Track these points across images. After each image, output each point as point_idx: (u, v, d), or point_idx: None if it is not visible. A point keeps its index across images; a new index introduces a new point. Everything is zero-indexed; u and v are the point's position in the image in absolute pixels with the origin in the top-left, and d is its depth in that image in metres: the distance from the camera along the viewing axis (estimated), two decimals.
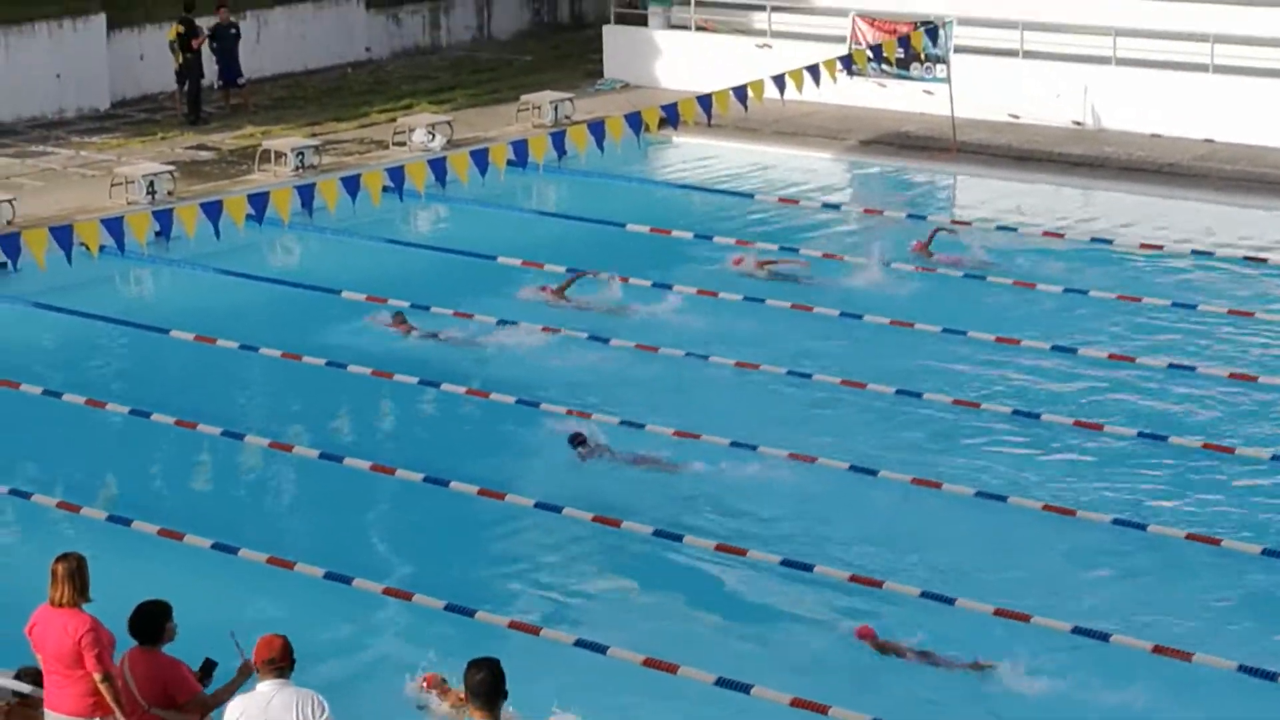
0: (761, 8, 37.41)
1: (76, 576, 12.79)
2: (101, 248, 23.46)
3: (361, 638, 16.74)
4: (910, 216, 29.83)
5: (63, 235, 22.58)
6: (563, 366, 23.30)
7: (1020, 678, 15.79)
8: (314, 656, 12.43)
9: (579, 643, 16.23)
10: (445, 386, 22.41)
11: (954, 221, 29.76)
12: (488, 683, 10.97)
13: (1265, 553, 17.89)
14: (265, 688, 11.85)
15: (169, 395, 22.49)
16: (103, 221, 23.30)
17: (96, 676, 12.61)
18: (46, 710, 13.00)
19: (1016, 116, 34.44)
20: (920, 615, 16.81)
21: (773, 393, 22.57)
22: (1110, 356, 23.39)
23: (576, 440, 20.33)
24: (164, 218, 24.22)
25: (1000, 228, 29.12)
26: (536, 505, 19.01)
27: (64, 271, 23.67)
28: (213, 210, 23.99)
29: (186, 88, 35.52)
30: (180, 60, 35.34)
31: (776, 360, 23.20)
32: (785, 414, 21.88)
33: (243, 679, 12.64)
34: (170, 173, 30.12)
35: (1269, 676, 15.45)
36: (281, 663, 11.88)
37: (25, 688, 13.65)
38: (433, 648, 15.97)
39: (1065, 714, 15.50)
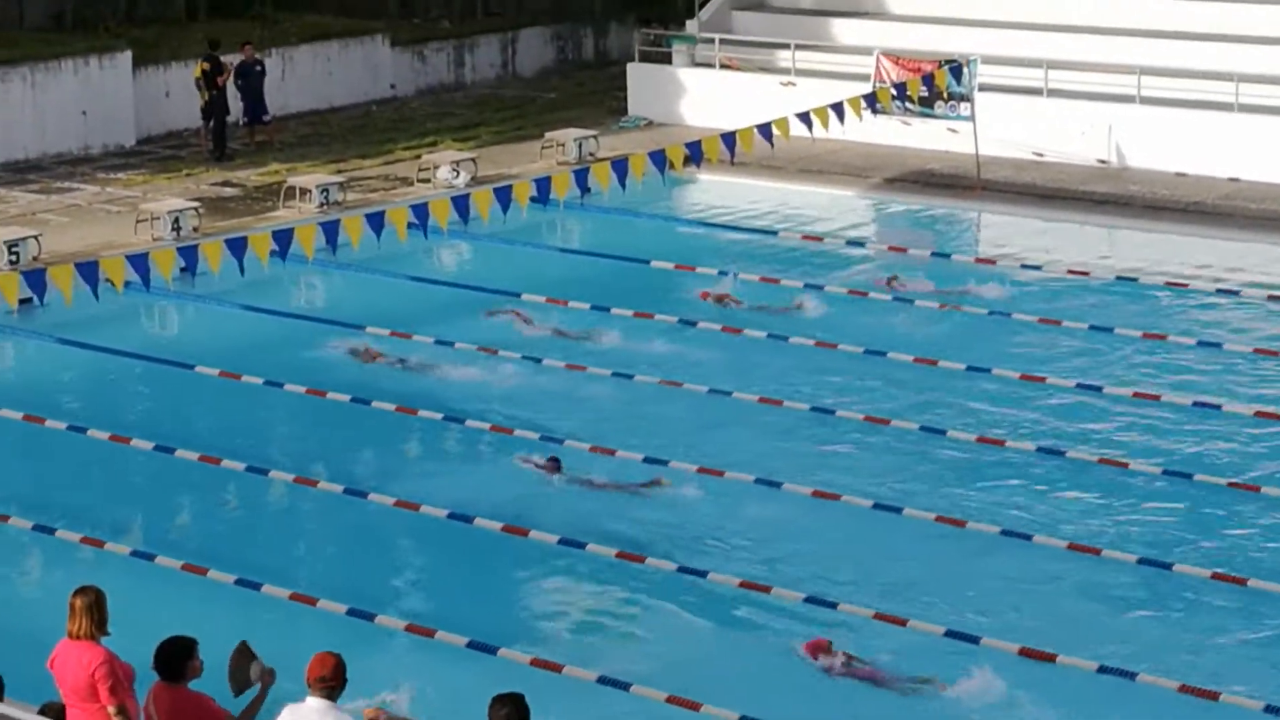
0: (785, 46, 37.45)
1: (95, 610, 12.79)
2: (126, 283, 23.53)
3: (389, 673, 16.69)
4: (935, 255, 29.81)
5: (88, 271, 22.64)
6: (585, 399, 23.36)
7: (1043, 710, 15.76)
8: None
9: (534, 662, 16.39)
10: (470, 423, 22.42)
11: (978, 260, 29.78)
12: (513, 718, 10.94)
13: None
14: (314, 703, 11.84)
15: (194, 431, 22.52)
16: (128, 257, 23.37)
17: (110, 709, 12.59)
18: None
19: (1041, 154, 34.43)
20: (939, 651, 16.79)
21: (794, 429, 22.55)
22: (1135, 395, 23.33)
23: (552, 465, 20.63)
24: (189, 254, 24.27)
25: (1025, 266, 29.09)
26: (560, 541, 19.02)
27: (90, 306, 23.73)
28: (237, 246, 24.04)
29: (212, 124, 35.63)
30: (206, 97, 35.48)
31: (796, 397, 23.20)
32: (806, 450, 21.87)
33: (265, 694, 12.60)
34: (195, 209, 30.21)
35: None
36: (332, 682, 11.88)
37: None
38: (451, 686, 15.94)
39: None
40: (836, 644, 16.56)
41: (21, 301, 24.38)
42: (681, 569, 18.41)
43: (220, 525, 20.59)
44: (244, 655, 12.73)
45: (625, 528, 19.52)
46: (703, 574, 18.27)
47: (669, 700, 15.70)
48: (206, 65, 35.40)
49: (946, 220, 32.47)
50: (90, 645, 12.70)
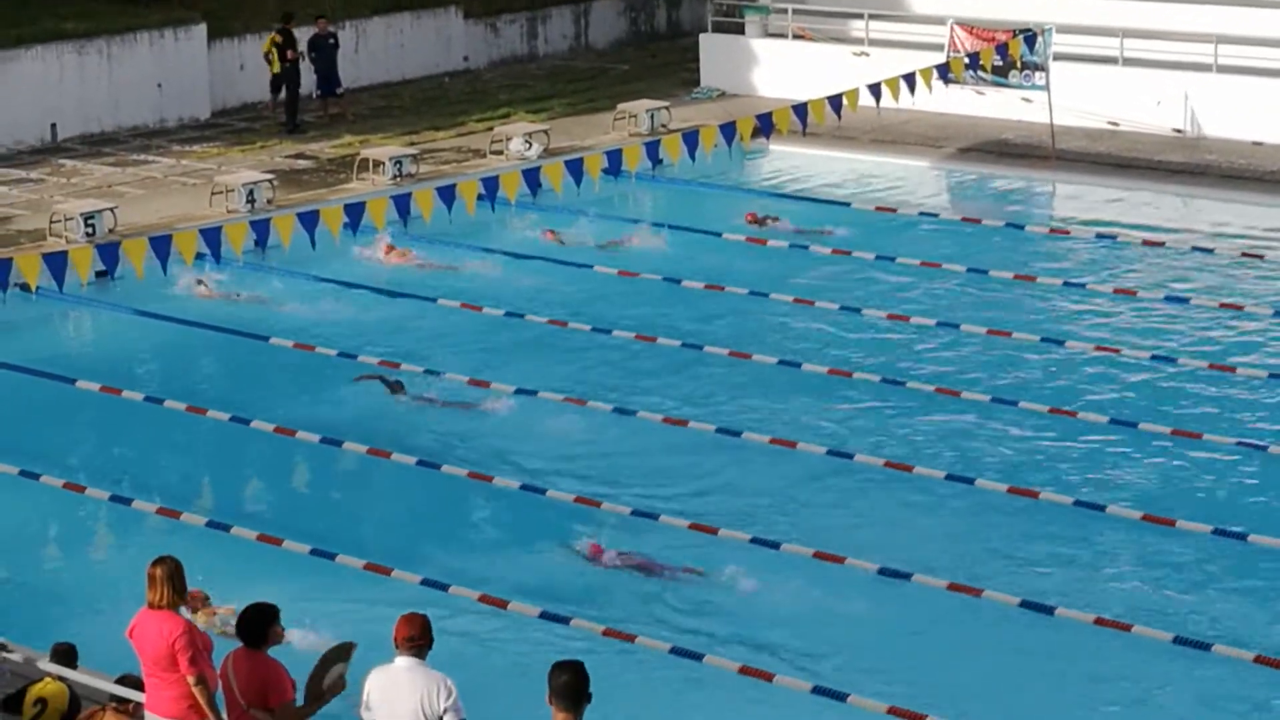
0: (859, 16, 37.29)
1: (174, 579, 12.88)
2: (198, 256, 23.68)
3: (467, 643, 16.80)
4: (1009, 225, 29.67)
5: (160, 245, 22.78)
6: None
7: None
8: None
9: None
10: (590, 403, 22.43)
11: (1053, 231, 29.67)
12: (572, 685, 10.91)
13: None
14: (401, 662, 11.96)
15: (269, 402, 22.65)
16: (200, 231, 23.50)
17: (190, 679, 12.69)
18: (146, 712, 13.09)
19: (1116, 124, 34.20)
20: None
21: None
22: (1210, 366, 23.19)
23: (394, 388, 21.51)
24: (261, 227, 24.38)
25: (1099, 236, 28.94)
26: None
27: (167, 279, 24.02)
28: (309, 220, 24.13)
29: (285, 96, 35.76)
30: (276, 69, 35.62)
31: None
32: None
33: (333, 693, 12.71)
34: (270, 181, 30.33)
35: None
36: (420, 641, 11.98)
37: (122, 690, 13.76)
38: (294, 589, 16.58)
39: None
40: (609, 542, 18.51)
41: (98, 274, 24.59)
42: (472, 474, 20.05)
43: (294, 495, 20.71)
44: (341, 654, 12.84)
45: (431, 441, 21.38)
46: (489, 479, 19.94)
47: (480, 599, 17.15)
48: (279, 38, 35.52)
49: (1020, 191, 32.30)
50: (170, 615, 12.79)
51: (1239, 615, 17.27)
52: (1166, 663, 16.37)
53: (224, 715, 12.78)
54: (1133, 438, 21.06)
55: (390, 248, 27.98)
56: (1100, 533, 18.88)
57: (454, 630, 16.01)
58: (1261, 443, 20.68)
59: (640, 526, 19.07)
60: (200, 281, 26.11)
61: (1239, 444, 20.67)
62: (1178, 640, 16.39)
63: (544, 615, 17.03)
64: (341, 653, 12.79)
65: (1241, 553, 18.23)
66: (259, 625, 12.68)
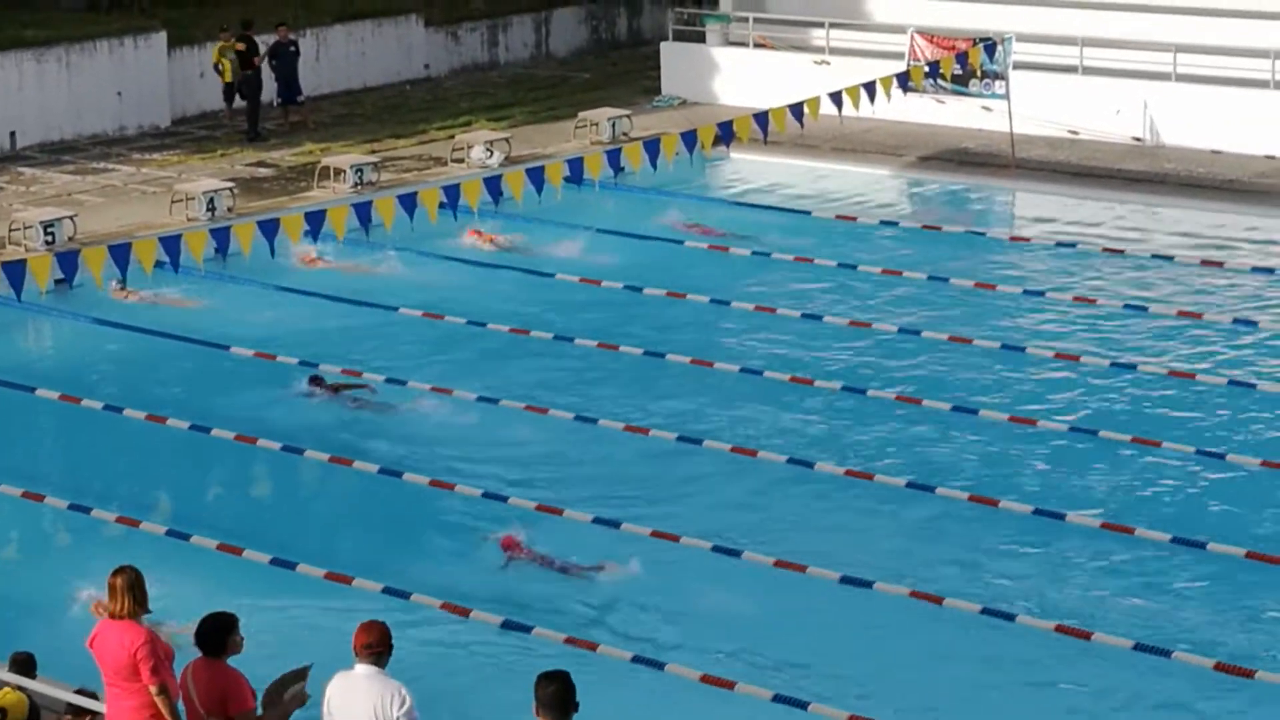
0: (820, 24, 37.38)
1: (135, 589, 12.84)
2: (157, 264, 23.62)
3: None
4: (969, 233, 29.76)
5: (120, 253, 22.71)
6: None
7: None
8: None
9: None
10: (552, 412, 22.39)
11: (1013, 239, 29.78)
12: (559, 695, 10.97)
13: None
14: (360, 669, 12.00)
15: (229, 410, 22.59)
16: (160, 239, 23.42)
17: (152, 689, 12.65)
18: None
19: (1076, 133, 34.33)
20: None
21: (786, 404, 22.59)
22: (1170, 373, 23.27)
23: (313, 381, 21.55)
24: (221, 235, 24.31)
25: (1059, 243, 29.03)
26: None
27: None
28: (269, 228, 24.08)
29: (246, 105, 35.70)
30: (227, 78, 35.58)
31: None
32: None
33: (295, 705, 12.69)
34: (230, 189, 30.27)
35: None
36: (378, 648, 12.00)
37: (80, 700, 13.71)
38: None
39: None
40: (526, 540, 18.81)
41: (56, 282, 24.48)
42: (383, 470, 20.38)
43: (255, 504, 20.67)
44: (299, 675, 12.81)
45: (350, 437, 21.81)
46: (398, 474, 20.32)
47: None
48: (239, 45, 35.46)
49: (981, 199, 32.38)
50: (131, 625, 12.75)
51: (1199, 622, 17.32)
52: (1127, 670, 16.41)
53: None
54: (1092, 445, 21.12)
55: (313, 259, 27.98)
56: (1060, 540, 18.92)
57: (420, 639, 16.03)
58: (1220, 450, 20.75)
59: (594, 533, 19.06)
60: (120, 284, 25.97)
61: (1198, 452, 20.74)
62: (1138, 647, 16.44)
63: (506, 624, 17.04)
64: (299, 675, 12.78)
65: (1201, 560, 18.28)
66: (217, 634, 12.63)
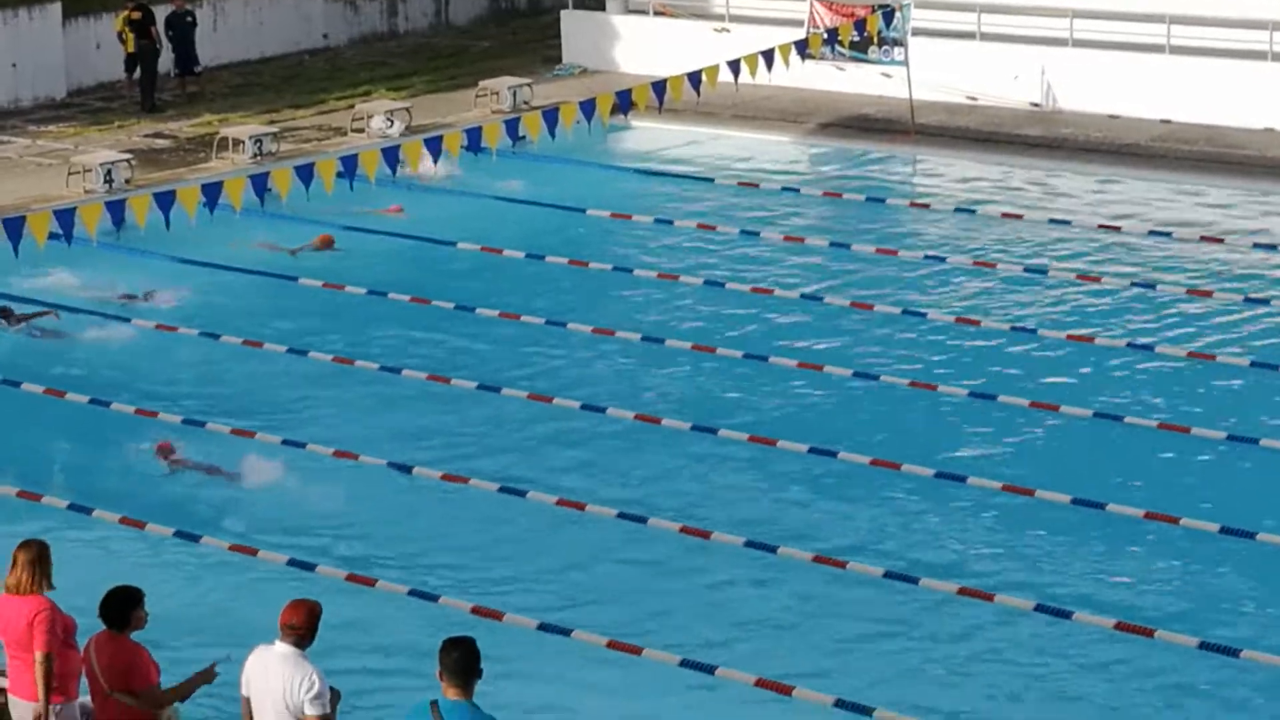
0: None
1: (37, 565, 12.77)
2: (52, 236, 23.42)
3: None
4: (870, 199, 29.88)
5: (13, 226, 22.51)
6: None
7: None
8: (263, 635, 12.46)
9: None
10: (454, 380, 22.39)
11: (913, 205, 29.90)
12: (462, 661, 11.04)
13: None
14: (279, 647, 11.92)
15: (129, 384, 22.50)
16: (54, 212, 23.24)
17: (38, 655, 12.56)
18: (10, 695, 13.00)
19: (974, 99, 34.48)
20: None
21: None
22: (1068, 337, 23.47)
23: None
24: (116, 208, 24.13)
25: (959, 209, 29.19)
26: None
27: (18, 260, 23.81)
28: (165, 200, 23.92)
29: (140, 76, 35.38)
30: (129, 48, 35.26)
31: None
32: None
33: (201, 681, 12.66)
34: (128, 161, 30.01)
35: None
36: (300, 630, 11.91)
37: None
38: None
39: None
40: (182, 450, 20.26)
41: None
42: None
43: (155, 479, 20.53)
44: (206, 677, 12.79)
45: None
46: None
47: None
48: (135, 15, 35.12)
49: (881, 165, 32.49)
50: (33, 597, 12.70)
51: (1099, 582, 17.51)
52: (1028, 630, 16.58)
53: (89, 701, 12.72)
54: (992, 409, 21.28)
55: None
56: (961, 502, 19.07)
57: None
58: (1118, 414, 20.96)
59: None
60: None
61: (1096, 415, 20.94)
62: (1039, 608, 16.60)
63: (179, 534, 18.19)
64: (206, 676, 12.79)
65: (1100, 521, 18.47)
66: (121, 608, 12.59)
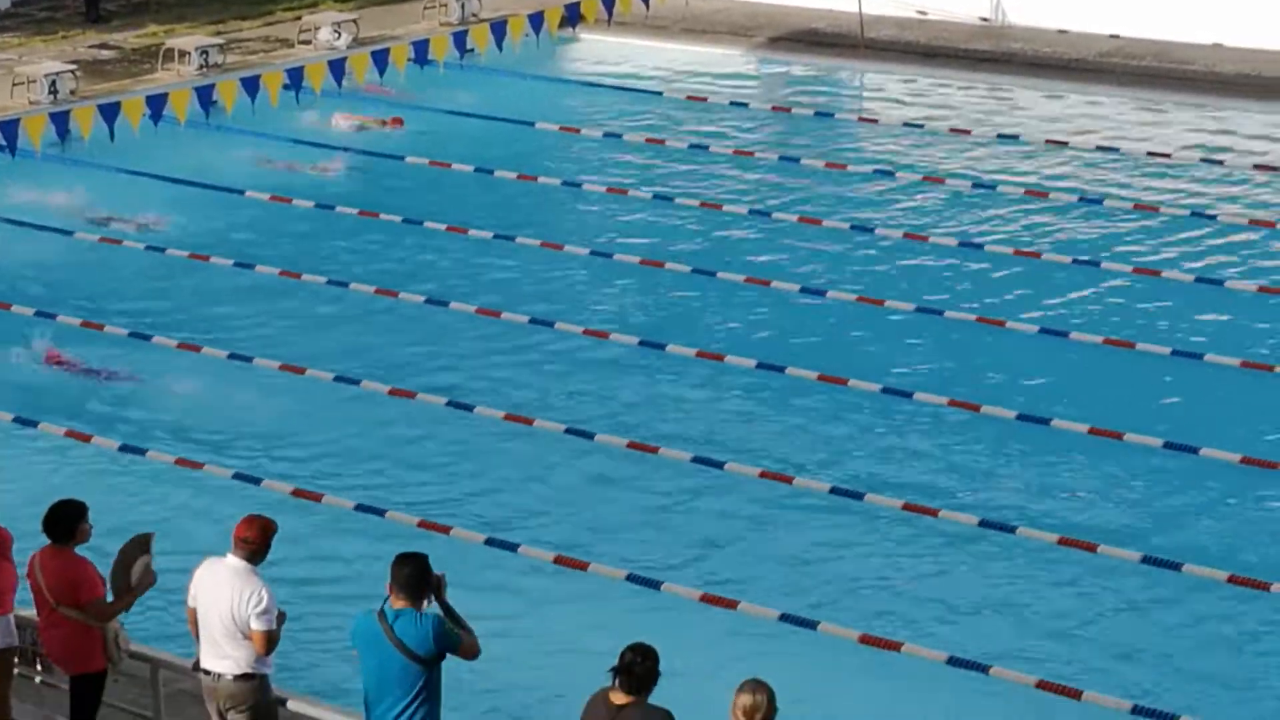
0: None
1: None
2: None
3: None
4: (819, 114, 29.84)
5: None
6: None
7: None
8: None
9: None
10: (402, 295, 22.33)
11: (861, 119, 29.90)
12: (414, 576, 11.14)
13: None
14: (230, 560, 11.93)
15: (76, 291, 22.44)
16: None
17: None
18: None
19: (924, 13, 34.41)
20: None
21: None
22: (1016, 252, 23.54)
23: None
24: (60, 120, 23.97)
25: (907, 124, 29.18)
26: None
27: None
28: (110, 112, 23.76)
29: None
30: None
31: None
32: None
33: (144, 589, 12.64)
34: (73, 72, 29.74)
35: None
36: (253, 545, 11.91)
37: None
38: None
39: None
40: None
41: None
42: None
43: (104, 393, 20.51)
44: (141, 546, 12.71)
45: None
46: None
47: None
48: None
49: (830, 79, 32.43)
50: None
51: (1039, 499, 17.65)
52: (965, 547, 16.70)
53: (30, 614, 12.72)
54: (938, 324, 21.35)
55: None
56: (906, 418, 19.16)
57: None
58: (1063, 329, 21.05)
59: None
60: None
61: (1042, 331, 21.03)
62: (983, 524, 16.73)
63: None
64: (140, 545, 12.70)
65: (1043, 436, 18.59)
66: (67, 522, 12.56)
